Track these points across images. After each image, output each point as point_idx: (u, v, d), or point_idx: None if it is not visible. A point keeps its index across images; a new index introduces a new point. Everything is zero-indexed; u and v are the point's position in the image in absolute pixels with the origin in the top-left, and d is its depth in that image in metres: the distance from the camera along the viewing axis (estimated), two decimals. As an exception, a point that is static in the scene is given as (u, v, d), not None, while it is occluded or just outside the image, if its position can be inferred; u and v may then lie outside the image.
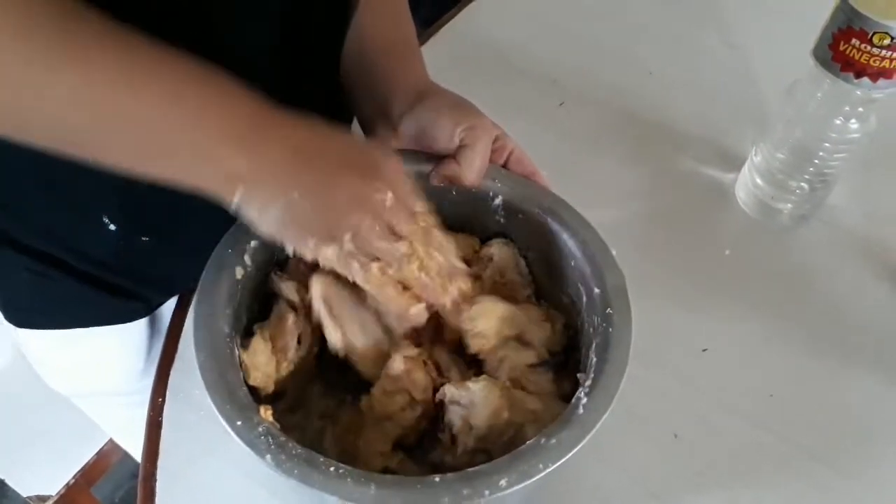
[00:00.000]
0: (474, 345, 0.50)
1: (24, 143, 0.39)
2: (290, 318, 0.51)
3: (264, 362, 0.48)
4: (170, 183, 0.42)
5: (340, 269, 0.46)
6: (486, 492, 0.39)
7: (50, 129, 0.40)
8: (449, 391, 0.48)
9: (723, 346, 0.63)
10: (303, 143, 0.44)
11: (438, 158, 0.54)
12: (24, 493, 1.00)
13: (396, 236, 0.46)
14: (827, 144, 0.65)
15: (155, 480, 0.53)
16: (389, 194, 0.44)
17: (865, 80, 0.59)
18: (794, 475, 0.56)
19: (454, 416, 0.47)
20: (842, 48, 0.59)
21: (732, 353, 0.63)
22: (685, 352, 0.63)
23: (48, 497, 1.01)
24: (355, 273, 0.46)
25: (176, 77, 0.40)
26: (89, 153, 0.41)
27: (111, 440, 1.02)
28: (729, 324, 0.65)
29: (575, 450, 0.41)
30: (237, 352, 0.47)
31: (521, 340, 0.52)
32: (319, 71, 0.61)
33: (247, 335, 0.50)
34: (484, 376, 0.49)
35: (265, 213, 0.43)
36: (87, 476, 1.04)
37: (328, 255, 0.45)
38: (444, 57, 0.84)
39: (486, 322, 0.50)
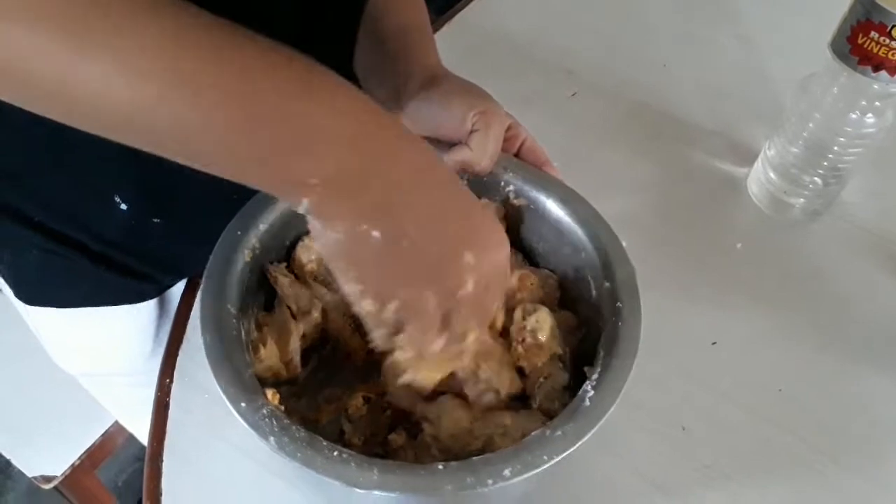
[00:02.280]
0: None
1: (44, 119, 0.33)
2: (289, 314, 0.51)
3: (271, 353, 0.48)
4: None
5: (369, 325, 0.41)
6: (490, 481, 0.39)
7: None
8: (420, 408, 0.47)
9: (732, 340, 0.63)
10: (406, 176, 0.37)
11: (448, 145, 0.54)
12: (30, 473, 1.01)
13: (448, 333, 0.40)
14: (842, 139, 0.64)
15: (162, 460, 0.53)
16: (471, 285, 0.38)
17: (883, 73, 0.59)
18: (802, 470, 0.56)
19: (426, 434, 0.46)
20: (860, 41, 0.58)
21: (741, 347, 0.63)
22: (694, 345, 0.62)
23: (53, 477, 1.02)
24: (378, 337, 0.41)
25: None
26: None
27: (116, 422, 1.03)
28: (738, 318, 0.64)
29: (580, 443, 0.41)
30: (244, 334, 0.47)
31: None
32: (333, 62, 0.61)
33: (256, 320, 0.50)
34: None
35: (328, 230, 0.37)
36: (92, 458, 1.05)
37: (365, 308, 0.40)
38: (456, 46, 0.84)
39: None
